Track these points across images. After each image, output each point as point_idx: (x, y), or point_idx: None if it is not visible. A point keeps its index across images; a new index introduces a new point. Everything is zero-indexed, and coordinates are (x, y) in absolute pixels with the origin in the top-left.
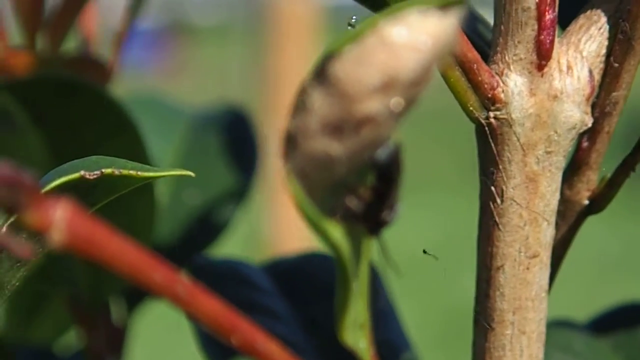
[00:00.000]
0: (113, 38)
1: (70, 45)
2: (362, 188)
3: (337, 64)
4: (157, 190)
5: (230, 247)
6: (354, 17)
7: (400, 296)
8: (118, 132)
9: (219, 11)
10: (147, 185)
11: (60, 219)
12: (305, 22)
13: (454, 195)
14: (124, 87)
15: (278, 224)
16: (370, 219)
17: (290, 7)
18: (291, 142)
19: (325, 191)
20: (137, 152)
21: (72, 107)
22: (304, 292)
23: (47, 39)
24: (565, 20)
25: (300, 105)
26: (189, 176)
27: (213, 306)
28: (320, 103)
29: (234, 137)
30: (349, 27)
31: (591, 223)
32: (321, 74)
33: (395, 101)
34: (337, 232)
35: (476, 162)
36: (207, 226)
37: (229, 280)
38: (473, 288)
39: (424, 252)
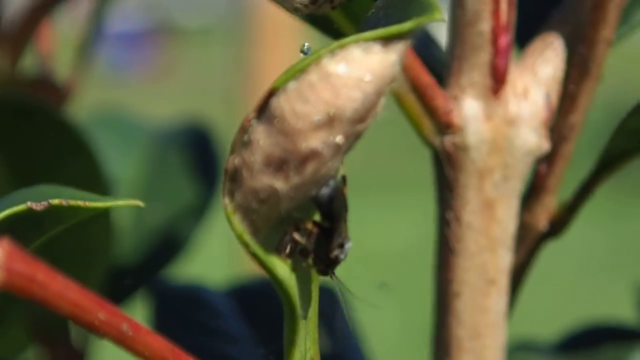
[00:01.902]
0: (74, 49)
1: (27, 62)
2: (308, 224)
3: (280, 100)
4: (117, 210)
5: (202, 262)
6: (306, 44)
7: (379, 300)
8: (74, 154)
9: (202, 13)
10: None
11: (0, 260)
12: (287, 24)
13: (431, 196)
14: (106, 90)
15: None
16: (320, 258)
17: (273, 9)
18: (235, 178)
19: (271, 226)
20: (94, 175)
21: (27, 130)
22: (266, 317)
23: (3, 56)
24: (523, 41)
25: (244, 141)
26: (152, 194)
27: (159, 344)
28: (264, 139)
29: (195, 153)
30: (301, 54)
31: (575, 224)
32: (265, 109)
33: (340, 137)
34: (283, 268)
35: None
36: (169, 243)
37: (190, 305)
38: None
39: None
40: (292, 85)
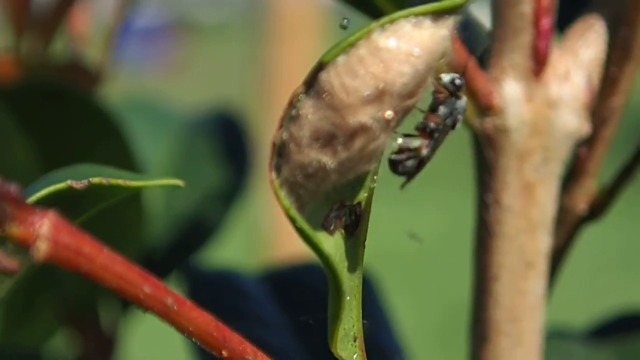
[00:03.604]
0: (103, 38)
1: (59, 45)
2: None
3: (329, 74)
4: (148, 195)
5: (230, 248)
6: (345, 19)
7: (399, 293)
8: (105, 138)
9: (219, 9)
10: (136, 192)
11: (46, 232)
12: (305, 20)
13: (452, 191)
14: (123, 85)
15: (278, 224)
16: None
17: (291, 5)
18: (283, 152)
19: (318, 202)
20: (125, 158)
21: (59, 114)
22: (299, 302)
23: (35, 39)
24: (564, 24)
25: (292, 115)
26: (182, 179)
27: (203, 319)
28: (312, 113)
29: (225, 140)
30: (341, 28)
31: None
32: (313, 83)
33: (389, 112)
34: (329, 244)
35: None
36: (199, 229)
37: (222, 290)
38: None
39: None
40: (341, 59)
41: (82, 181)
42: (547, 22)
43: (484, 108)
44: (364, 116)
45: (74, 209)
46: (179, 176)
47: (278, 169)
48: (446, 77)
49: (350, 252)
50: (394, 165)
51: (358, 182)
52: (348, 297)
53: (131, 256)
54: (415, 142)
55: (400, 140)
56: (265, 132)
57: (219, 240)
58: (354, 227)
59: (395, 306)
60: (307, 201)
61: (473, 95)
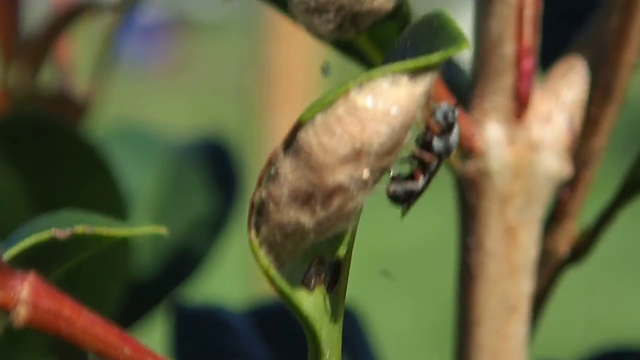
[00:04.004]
0: (92, 66)
1: (47, 74)
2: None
3: (307, 133)
4: (135, 222)
5: (220, 279)
6: (326, 63)
7: (398, 293)
8: (92, 173)
9: (218, 7)
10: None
11: (26, 297)
12: None
13: (451, 191)
14: (122, 84)
15: None
16: None
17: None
18: (262, 211)
19: (297, 259)
20: (111, 192)
21: (45, 149)
22: (285, 338)
23: (22, 69)
24: (547, 62)
25: (271, 174)
26: (170, 208)
27: None
28: (291, 172)
29: (214, 167)
30: (322, 72)
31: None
32: (292, 142)
33: (367, 171)
34: (308, 302)
35: None
36: (188, 260)
37: (209, 327)
38: None
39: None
40: (319, 118)
41: (66, 230)
42: (528, 63)
43: (466, 151)
44: (342, 176)
45: (58, 258)
46: (167, 205)
47: (257, 228)
48: (439, 113)
49: (331, 307)
50: (391, 198)
51: (337, 239)
52: (327, 354)
53: (117, 289)
54: (411, 176)
55: (395, 173)
56: (265, 132)
57: (207, 270)
58: (334, 283)
59: (394, 307)
60: (286, 260)
61: None
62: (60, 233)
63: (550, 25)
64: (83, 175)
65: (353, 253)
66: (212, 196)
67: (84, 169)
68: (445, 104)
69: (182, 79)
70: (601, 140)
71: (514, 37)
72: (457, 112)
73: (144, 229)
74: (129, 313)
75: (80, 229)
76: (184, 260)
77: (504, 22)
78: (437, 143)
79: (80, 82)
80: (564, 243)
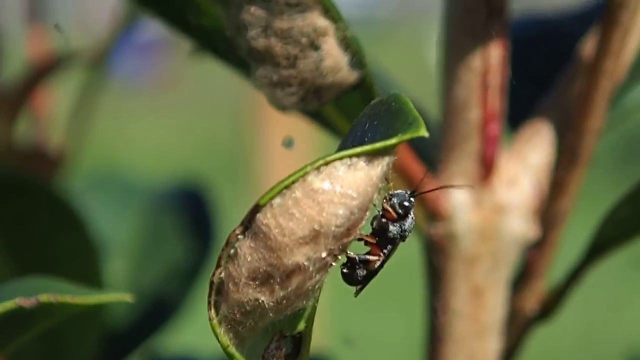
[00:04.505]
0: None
1: (22, 126)
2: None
3: (266, 216)
4: (112, 271)
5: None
6: (288, 138)
7: (385, 309)
8: (66, 228)
9: None
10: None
11: None
12: None
13: None
14: (116, 100)
15: None
16: None
17: None
18: (221, 290)
19: (257, 336)
20: (86, 247)
21: (20, 205)
22: None
23: None
24: (514, 124)
25: (230, 254)
26: (147, 255)
27: None
28: (250, 253)
29: (190, 214)
30: (284, 146)
31: (587, 225)
32: (250, 224)
33: (325, 252)
34: None
35: None
36: (164, 307)
37: None
38: None
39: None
40: (277, 201)
41: (31, 299)
42: (494, 128)
43: (432, 214)
44: (300, 257)
45: (24, 324)
46: (143, 253)
47: (217, 307)
48: (395, 200)
49: None
50: (345, 278)
51: (297, 315)
52: None
53: (93, 338)
54: (367, 257)
55: (351, 255)
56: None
57: (182, 319)
58: (295, 356)
59: (385, 318)
60: (246, 336)
61: (421, 201)
62: (26, 302)
63: (516, 88)
64: (57, 231)
65: None
66: (188, 243)
67: (57, 225)
68: (401, 192)
69: (175, 96)
70: (568, 202)
71: (479, 103)
72: (412, 200)
73: (110, 297)
74: None
75: (45, 297)
76: (160, 308)
77: (469, 88)
78: (392, 228)
79: (57, 131)
80: (532, 302)
